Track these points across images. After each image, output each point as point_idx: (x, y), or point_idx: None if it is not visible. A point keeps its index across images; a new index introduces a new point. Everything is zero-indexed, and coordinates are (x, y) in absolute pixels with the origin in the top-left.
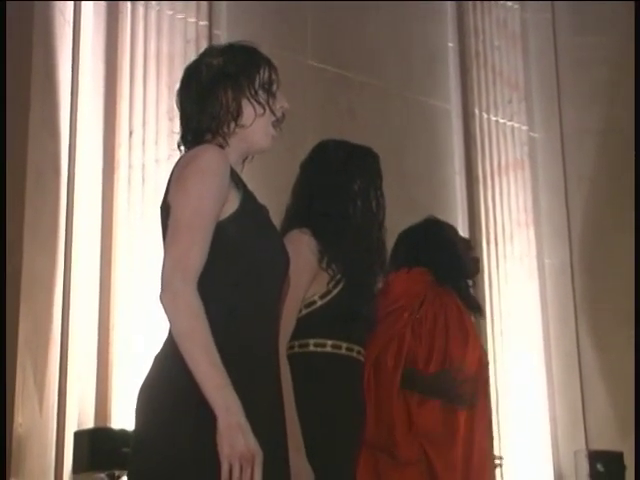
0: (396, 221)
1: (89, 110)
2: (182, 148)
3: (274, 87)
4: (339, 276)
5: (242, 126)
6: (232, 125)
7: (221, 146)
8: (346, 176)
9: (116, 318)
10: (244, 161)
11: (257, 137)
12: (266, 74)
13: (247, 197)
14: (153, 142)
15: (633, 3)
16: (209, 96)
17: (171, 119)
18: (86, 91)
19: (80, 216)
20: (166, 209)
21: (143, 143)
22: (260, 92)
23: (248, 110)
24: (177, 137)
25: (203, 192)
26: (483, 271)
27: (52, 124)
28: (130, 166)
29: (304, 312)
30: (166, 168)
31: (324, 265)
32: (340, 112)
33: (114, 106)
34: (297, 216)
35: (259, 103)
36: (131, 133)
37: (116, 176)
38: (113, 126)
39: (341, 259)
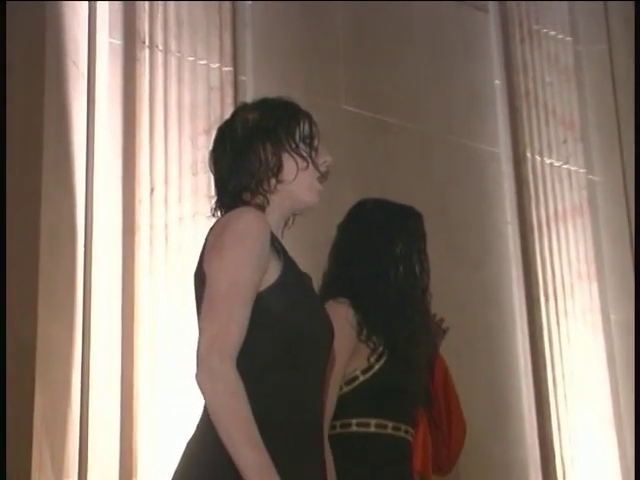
0: (443, 278)
1: (106, 167)
2: (218, 213)
3: (315, 141)
4: (381, 349)
5: (283, 182)
6: (273, 181)
7: (261, 206)
8: (387, 239)
9: (140, 392)
10: (286, 223)
11: (302, 192)
12: (306, 127)
13: (288, 265)
14: (176, 200)
15: None
16: (246, 153)
17: (195, 174)
18: (103, 146)
19: (99, 281)
20: (201, 278)
21: (165, 201)
22: (301, 145)
23: (289, 164)
24: (202, 194)
25: (242, 261)
26: (542, 330)
27: (67, 183)
28: (152, 226)
29: (345, 389)
30: (191, 227)
31: (364, 338)
32: (378, 159)
33: (133, 161)
34: (334, 283)
35: (301, 156)
36: (152, 190)
37: (137, 237)
38: (132, 183)
39: (382, 330)
